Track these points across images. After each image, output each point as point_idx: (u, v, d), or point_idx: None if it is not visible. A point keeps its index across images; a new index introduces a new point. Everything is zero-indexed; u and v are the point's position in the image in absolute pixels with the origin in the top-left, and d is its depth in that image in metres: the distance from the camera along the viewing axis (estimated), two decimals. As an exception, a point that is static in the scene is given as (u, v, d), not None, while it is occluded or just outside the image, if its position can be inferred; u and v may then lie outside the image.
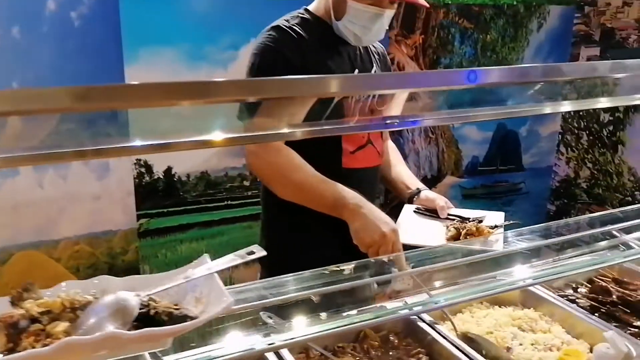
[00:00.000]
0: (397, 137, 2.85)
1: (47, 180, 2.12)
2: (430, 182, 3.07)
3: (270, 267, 1.47)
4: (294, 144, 1.39)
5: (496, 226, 1.34)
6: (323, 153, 1.32)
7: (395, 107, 1.41)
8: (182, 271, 0.76)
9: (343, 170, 1.38)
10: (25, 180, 2.07)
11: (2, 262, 2.10)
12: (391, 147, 1.64)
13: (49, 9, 1.94)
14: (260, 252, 0.76)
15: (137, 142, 0.68)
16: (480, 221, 1.38)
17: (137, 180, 2.28)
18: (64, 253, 2.22)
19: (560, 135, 3.42)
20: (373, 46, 1.51)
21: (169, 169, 2.34)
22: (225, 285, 0.76)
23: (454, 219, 1.42)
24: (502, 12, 2.93)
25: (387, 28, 1.39)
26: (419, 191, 1.51)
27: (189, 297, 0.74)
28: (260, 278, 1.50)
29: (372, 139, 1.45)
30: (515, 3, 2.93)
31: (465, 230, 1.31)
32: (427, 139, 2.95)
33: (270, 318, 0.98)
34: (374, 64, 1.47)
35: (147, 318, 0.68)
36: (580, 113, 3.22)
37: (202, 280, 0.74)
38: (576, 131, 3.34)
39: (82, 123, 0.64)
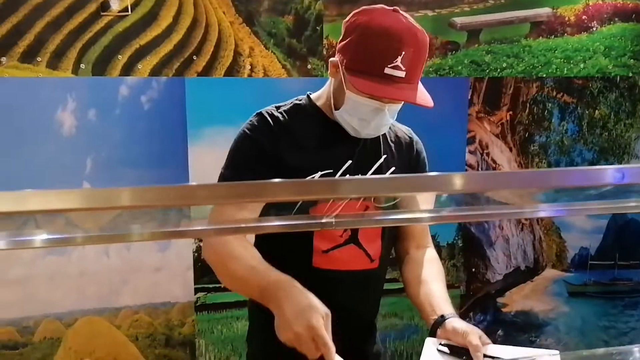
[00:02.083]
0: (481, 222, 2.56)
1: (113, 249, 2.24)
2: (526, 274, 2.68)
3: None
4: (264, 241, 1.29)
5: None
6: (292, 250, 1.20)
7: (420, 202, 1.23)
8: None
9: (313, 270, 1.23)
10: (93, 249, 2.22)
11: (67, 325, 2.24)
12: (429, 258, 1.36)
13: (122, 94, 2.11)
14: None
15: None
16: None
17: (196, 254, 2.32)
18: (124, 321, 2.30)
19: (703, 227, 2.80)
20: (395, 135, 1.35)
21: (228, 245, 2.34)
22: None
23: None
24: (613, 85, 2.55)
25: (392, 121, 1.25)
26: (443, 319, 1.19)
27: None
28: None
29: (361, 238, 1.27)
30: (630, 75, 2.53)
31: None
32: (518, 224, 2.61)
33: None
34: (384, 155, 1.30)
35: None
36: None
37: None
38: None
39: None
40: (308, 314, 1.02)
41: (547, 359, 1.09)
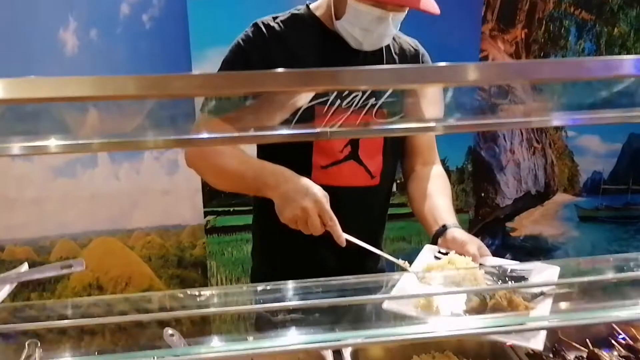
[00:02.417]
0: (492, 145, 2.52)
1: (123, 172, 2.27)
2: (537, 199, 2.66)
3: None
4: (264, 156, 1.28)
5: (542, 293, 0.95)
6: (291, 166, 1.17)
7: (425, 110, 1.20)
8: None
9: None
10: (103, 172, 2.24)
11: (82, 245, 2.30)
12: (435, 174, 1.35)
13: (123, 12, 2.07)
14: (78, 267, 0.67)
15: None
16: (524, 278, 1.02)
17: (204, 177, 2.33)
18: (137, 242, 2.36)
19: None
20: (400, 47, 1.29)
21: (235, 169, 2.35)
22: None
23: (488, 274, 1.03)
24: (634, 1, 2.42)
25: (395, 32, 1.19)
26: (444, 229, 1.18)
27: None
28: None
29: (361, 154, 1.24)
30: (654, -12, 2.40)
31: (492, 302, 0.93)
32: (530, 148, 2.56)
33: (172, 336, 0.89)
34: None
35: None
36: None
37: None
38: None
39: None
40: (312, 191, 1.05)
41: (546, 272, 1.04)
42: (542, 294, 0.95)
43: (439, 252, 1.15)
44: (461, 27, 2.30)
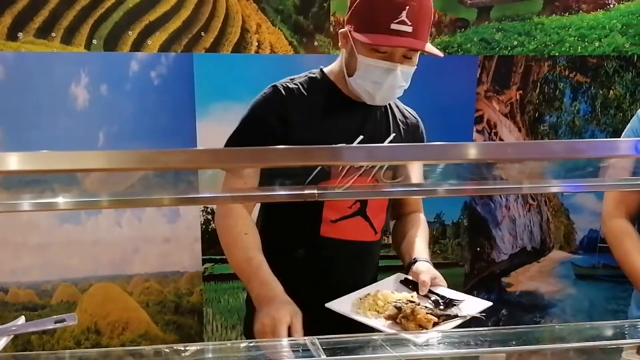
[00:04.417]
0: (487, 201, 2.56)
1: (125, 220, 2.34)
2: (532, 255, 2.68)
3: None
4: (276, 210, 1.36)
5: (457, 316, 1.13)
6: (302, 220, 1.28)
7: (413, 175, 1.29)
8: None
9: (321, 238, 1.32)
10: (106, 219, 2.32)
11: (82, 290, 2.36)
12: (417, 219, 1.49)
13: (133, 69, 2.18)
14: (71, 322, 0.73)
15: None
16: (453, 305, 1.18)
17: (203, 226, 2.40)
18: (135, 288, 2.41)
19: None
20: (403, 115, 1.42)
21: (234, 218, 2.41)
22: None
23: (432, 297, 1.22)
24: (630, 64, 2.48)
25: (406, 85, 1.28)
26: (415, 262, 1.34)
27: None
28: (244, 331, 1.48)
29: (369, 212, 1.35)
30: (647, 53, 2.47)
31: (402, 312, 1.11)
32: (526, 205, 2.60)
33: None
34: (393, 132, 1.37)
35: None
36: None
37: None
38: None
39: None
40: (265, 327, 1.10)
41: (476, 304, 1.20)
42: (456, 316, 1.13)
43: (405, 278, 1.32)
44: (457, 88, 2.38)
